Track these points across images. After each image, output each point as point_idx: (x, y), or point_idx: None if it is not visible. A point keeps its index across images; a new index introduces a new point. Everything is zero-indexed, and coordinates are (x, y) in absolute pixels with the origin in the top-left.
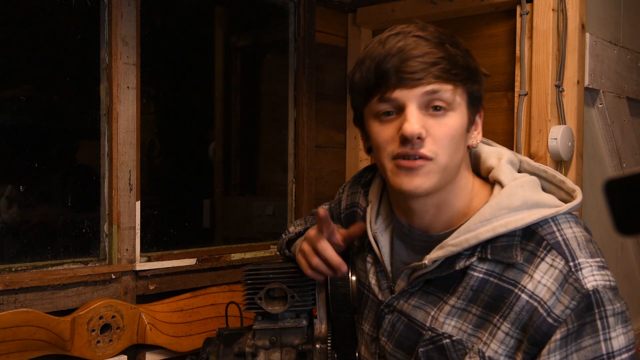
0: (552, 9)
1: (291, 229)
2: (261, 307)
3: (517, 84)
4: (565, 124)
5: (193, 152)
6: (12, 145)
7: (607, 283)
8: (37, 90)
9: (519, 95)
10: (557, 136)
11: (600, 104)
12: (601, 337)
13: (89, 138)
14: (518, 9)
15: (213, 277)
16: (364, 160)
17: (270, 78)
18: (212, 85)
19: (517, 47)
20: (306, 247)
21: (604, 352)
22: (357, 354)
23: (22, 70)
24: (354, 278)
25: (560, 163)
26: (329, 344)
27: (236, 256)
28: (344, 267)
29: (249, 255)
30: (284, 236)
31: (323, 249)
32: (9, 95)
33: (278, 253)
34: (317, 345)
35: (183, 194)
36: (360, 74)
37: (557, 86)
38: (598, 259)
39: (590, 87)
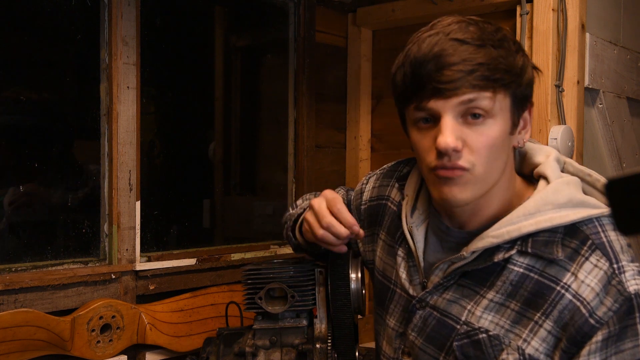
0: (552, 9)
1: (299, 202)
2: (261, 306)
3: None
4: (565, 124)
5: (193, 152)
6: (12, 145)
7: None
8: (37, 90)
9: None
10: (557, 136)
11: (600, 104)
12: None
13: (89, 138)
14: (518, 9)
15: (213, 277)
16: (364, 160)
17: (270, 78)
18: (212, 85)
19: None
20: (312, 214)
21: None
22: (357, 354)
23: (22, 70)
24: (353, 276)
25: None
26: (329, 344)
27: (236, 256)
28: (356, 227)
29: (249, 255)
30: (291, 210)
31: (339, 211)
32: (9, 95)
33: (283, 235)
34: (317, 345)
35: (183, 194)
36: (399, 76)
37: (557, 86)
38: (638, 264)
39: (590, 87)
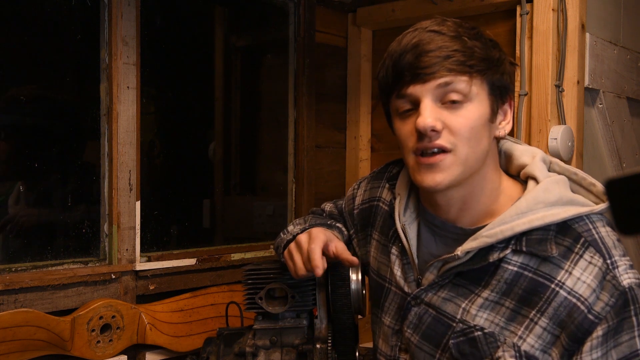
0: (552, 9)
1: (290, 227)
2: (262, 307)
3: (517, 84)
4: (565, 124)
5: (193, 152)
6: (13, 145)
7: (638, 281)
8: (37, 90)
9: (519, 95)
10: (557, 136)
11: (600, 104)
12: (636, 333)
13: (89, 138)
14: (518, 9)
15: (213, 277)
16: (364, 160)
17: (270, 78)
18: (212, 85)
19: (517, 47)
20: (294, 246)
21: (639, 347)
22: (357, 354)
23: (22, 70)
24: (354, 277)
25: None
26: (329, 344)
27: (236, 256)
28: (319, 270)
29: (249, 255)
30: (282, 235)
31: (312, 250)
32: (9, 95)
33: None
34: (318, 345)
35: (183, 194)
36: (382, 72)
37: (557, 86)
38: (628, 258)
39: (590, 87)
